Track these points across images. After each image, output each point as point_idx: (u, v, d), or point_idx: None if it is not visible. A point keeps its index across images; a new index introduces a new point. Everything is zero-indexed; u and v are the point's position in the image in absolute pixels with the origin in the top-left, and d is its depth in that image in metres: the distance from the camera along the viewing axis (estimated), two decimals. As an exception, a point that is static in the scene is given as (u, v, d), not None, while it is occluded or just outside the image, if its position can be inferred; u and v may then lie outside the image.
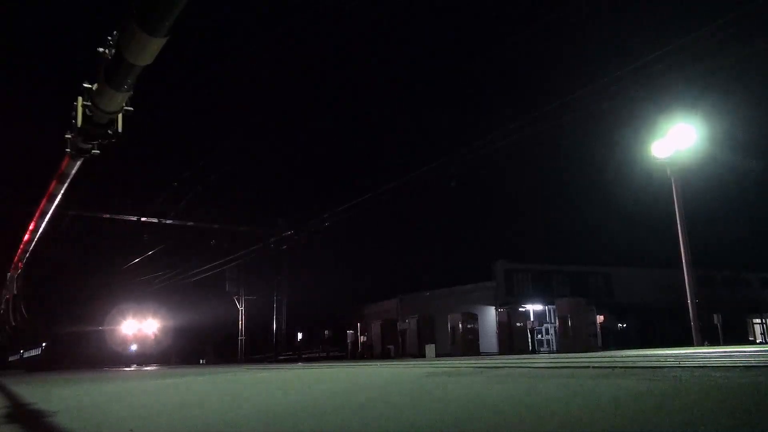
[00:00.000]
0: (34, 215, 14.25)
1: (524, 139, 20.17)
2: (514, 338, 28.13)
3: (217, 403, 5.55)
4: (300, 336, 44.32)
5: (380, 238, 48.60)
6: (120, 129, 6.15)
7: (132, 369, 27.43)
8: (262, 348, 40.74)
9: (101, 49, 5.27)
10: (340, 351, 38.23)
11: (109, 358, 38.48)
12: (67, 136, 6.79)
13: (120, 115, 6.06)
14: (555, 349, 29.27)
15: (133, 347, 40.85)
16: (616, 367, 7.58)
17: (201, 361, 41.36)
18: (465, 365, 10.90)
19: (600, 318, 27.85)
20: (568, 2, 17.87)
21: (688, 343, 21.36)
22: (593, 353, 18.71)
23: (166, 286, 40.16)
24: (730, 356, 9.49)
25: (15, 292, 25.12)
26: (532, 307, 31.55)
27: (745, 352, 11.82)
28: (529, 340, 28.45)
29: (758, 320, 38.24)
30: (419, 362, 16.59)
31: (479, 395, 4.88)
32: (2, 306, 27.90)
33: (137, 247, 35.22)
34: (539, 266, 36.50)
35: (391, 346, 31.72)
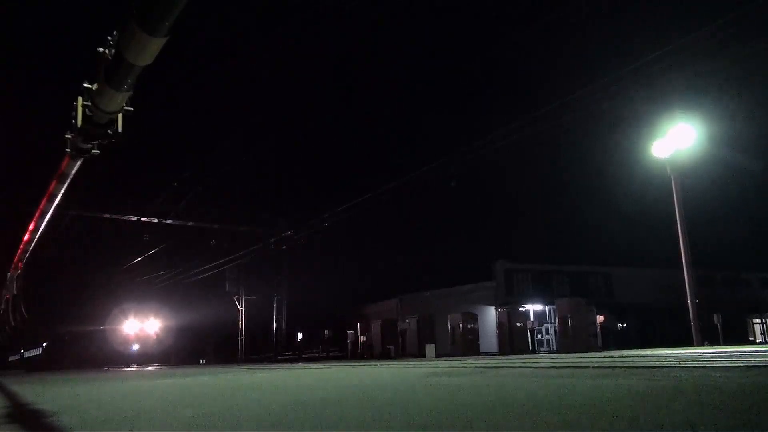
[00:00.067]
0: (34, 215, 14.27)
1: (524, 139, 20.24)
2: (514, 338, 28.17)
3: (218, 403, 5.56)
4: (300, 336, 44.31)
5: (380, 238, 48.48)
6: (120, 129, 6.16)
7: (133, 369, 27.41)
8: (262, 348, 40.73)
9: (101, 49, 5.28)
10: (340, 351, 38.25)
11: (109, 358, 38.51)
12: (67, 136, 6.79)
13: (120, 115, 6.07)
14: (555, 349, 29.26)
15: (135, 347, 40.88)
16: (616, 367, 7.59)
17: (201, 361, 41.34)
18: (465, 365, 10.92)
19: (600, 318, 27.86)
20: (568, 2, 17.90)
21: (688, 343, 21.38)
22: (593, 353, 18.74)
23: (166, 286, 40.20)
24: (730, 356, 9.51)
25: (15, 292, 25.16)
26: (532, 307, 31.54)
27: (745, 352, 11.85)
28: (529, 340, 28.47)
29: (758, 320, 38.22)
30: (419, 362, 16.62)
31: (479, 395, 4.88)
32: (2, 306, 27.93)
33: (137, 247, 35.29)
34: (539, 266, 36.48)
35: (391, 346, 31.76)
